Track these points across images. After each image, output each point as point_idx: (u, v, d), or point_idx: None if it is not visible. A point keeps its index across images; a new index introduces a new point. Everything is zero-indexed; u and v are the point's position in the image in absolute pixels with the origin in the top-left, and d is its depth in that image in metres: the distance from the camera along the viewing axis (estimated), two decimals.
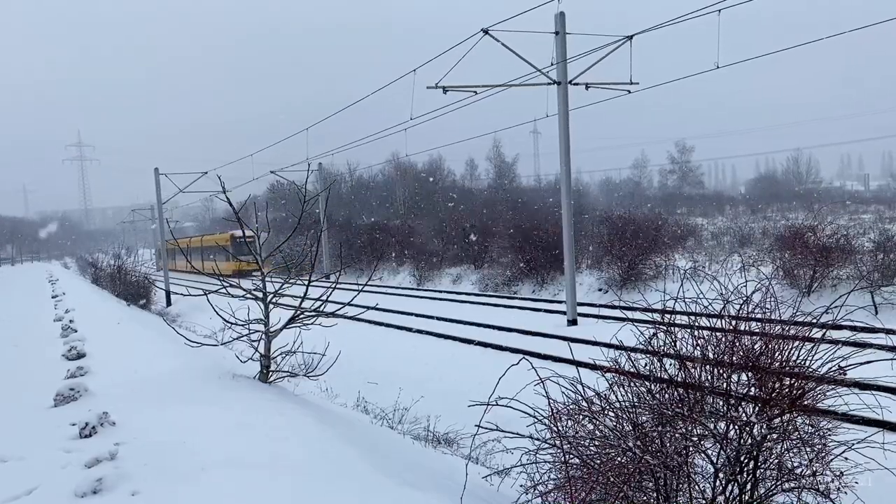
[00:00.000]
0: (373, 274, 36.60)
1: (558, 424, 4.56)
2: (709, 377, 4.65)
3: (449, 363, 14.02)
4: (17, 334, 15.01)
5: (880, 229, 21.24)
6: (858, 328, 4.98)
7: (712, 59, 14.96)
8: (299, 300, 8.97)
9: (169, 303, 33.54)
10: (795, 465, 4.47)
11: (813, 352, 4.58)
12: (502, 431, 4.68)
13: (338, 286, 9.04)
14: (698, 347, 4.79)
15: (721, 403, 4.51)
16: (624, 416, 4.48)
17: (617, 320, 5.34)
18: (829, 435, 4.53)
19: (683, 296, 5.12)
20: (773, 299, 4.98)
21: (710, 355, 4.70)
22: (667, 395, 4.62)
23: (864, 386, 5.05)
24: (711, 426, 4.33)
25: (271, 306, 9.00)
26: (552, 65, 17.52)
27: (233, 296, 8.96)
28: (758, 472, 4.41)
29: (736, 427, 4.30)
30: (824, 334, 4.64)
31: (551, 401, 4.59)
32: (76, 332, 12.97)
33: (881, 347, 7.96)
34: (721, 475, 4.34)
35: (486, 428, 4.63)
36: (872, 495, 4.53)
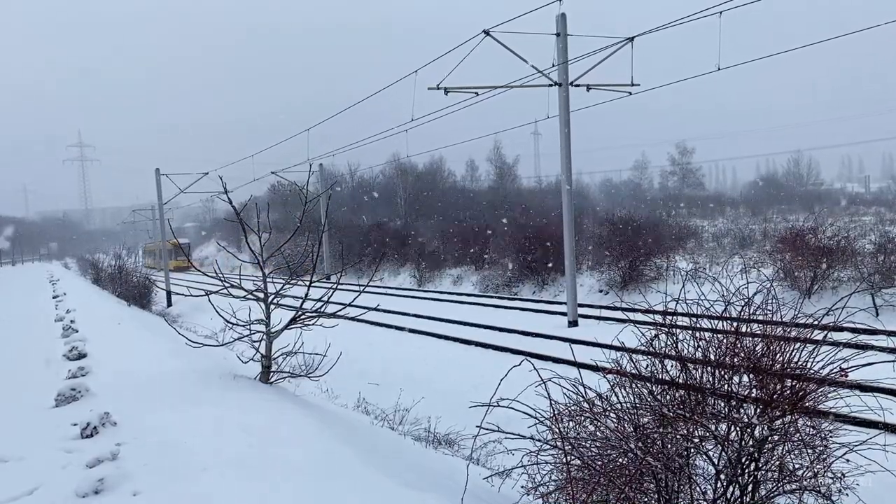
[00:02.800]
0: (374, 275, 36.58)
1: (559, 425, 4.56)
2: (710, 379, 4.65)
3: (449, 364, 14.03)
4: (18, 334, 15.02)
5: (881, 231, 21.24)
6: (859, 330, 4.97)
7: (713, 61, 14.99)
8: (300, 301, 8.97)
9: (170, 303, 33.54)
10: (797, 466, 4.47)
11: (814, 353, 4.58)
12: (503, 432, 4.68)
13: (339, 287, 9.04)
14: (700, 349, 4.79)
15: (722, 405, 4.51)
16: (625, 417, 4.48)
17: (618, 321, 5.34)
18: (831, 437, 4.52)
19: (685, 297, 5.12)
20: (774, 301, 4.98)
21: (712, 357, 4.70)
22: (668, 397, 4.62)
23: (865, 388, 5.05)
24: (713, 428, 4.33)
25: (272, 307, 9.00)
26: (553, 66, 17.53)
27: (234, 296, 8.96)
28: (759, 473, 4.41)
29: (737, 429, 4.30)
30: (825, 336, 4.64)
31: (553, 402, 4.59)
32: (77, 332, 12.97)
33: (882, 349, 7.96)
34: (722, 477, 4.34)
35: (487, 429, 4.64)
36: (874, 497, 4.53)
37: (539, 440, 4.63)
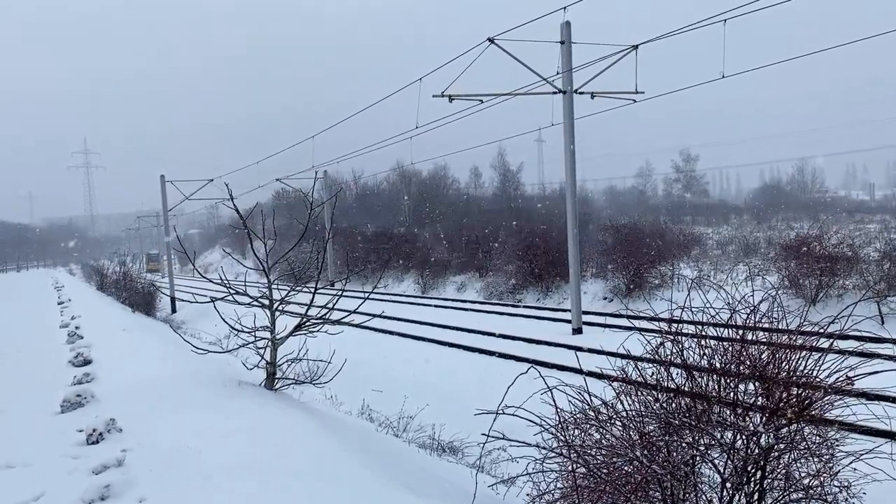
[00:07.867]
0: (378, 282, 36.64)
1: (565, 433, 4.56)
2: (716, 387, 4.64)
3: (453, 371, 14.01)
4: (24, 340, 15.06)
5: (886, 239, 21.15)
6: (865, 338, 4.97)
7: (717, 69, 14.98)
8: (305, 308, 8.99)
9: (174, 309, 33.58)
10: (803, 475, 4.45)
11: (820, 362, 4.57)
12: (509, 440, 4.68)
13: (343, 294, 9.05)
14: (705, 357, 4.78)
15: (728, 413, 4.50)
16: (631, 425, 4.48)
17: (623, 329, 5.34)
18: (837, 445, 4.51)
19: (690, 305, 5.12)
20: (779, 309, 4.97)
21: (717, 365, 4.69)
22: (674, 405, 4.61)
23: (871, 396, 5.03)
24: (718, 436, 4.32)
25: (277, 314, 9.01)
26: (558, 74, 17.56)
27: (239, 303, 8.98)
28: (765, 482, 4.40)
29: (743, 437, 4.29)
30: (831, 344, 4.63)
31: (558, 409, 4.59)
32: (82, 338, 13.02)
33: (888, 358, 7.92)
34: (728, 485, 4.33)
35: (493, 437, 4.63)
36: None
37: (544, 448, 4.62)
